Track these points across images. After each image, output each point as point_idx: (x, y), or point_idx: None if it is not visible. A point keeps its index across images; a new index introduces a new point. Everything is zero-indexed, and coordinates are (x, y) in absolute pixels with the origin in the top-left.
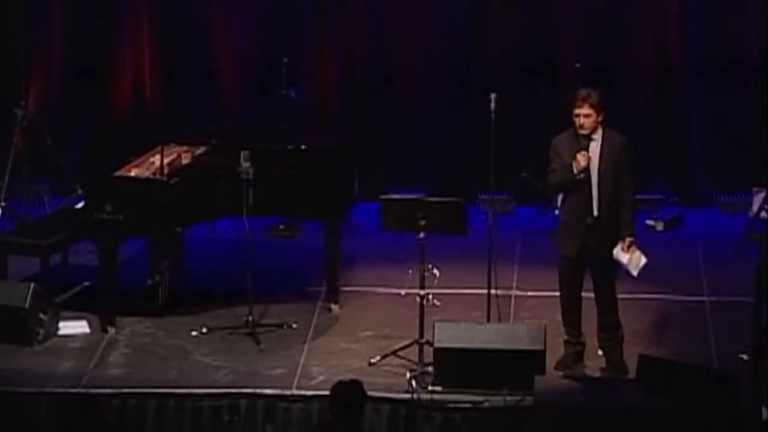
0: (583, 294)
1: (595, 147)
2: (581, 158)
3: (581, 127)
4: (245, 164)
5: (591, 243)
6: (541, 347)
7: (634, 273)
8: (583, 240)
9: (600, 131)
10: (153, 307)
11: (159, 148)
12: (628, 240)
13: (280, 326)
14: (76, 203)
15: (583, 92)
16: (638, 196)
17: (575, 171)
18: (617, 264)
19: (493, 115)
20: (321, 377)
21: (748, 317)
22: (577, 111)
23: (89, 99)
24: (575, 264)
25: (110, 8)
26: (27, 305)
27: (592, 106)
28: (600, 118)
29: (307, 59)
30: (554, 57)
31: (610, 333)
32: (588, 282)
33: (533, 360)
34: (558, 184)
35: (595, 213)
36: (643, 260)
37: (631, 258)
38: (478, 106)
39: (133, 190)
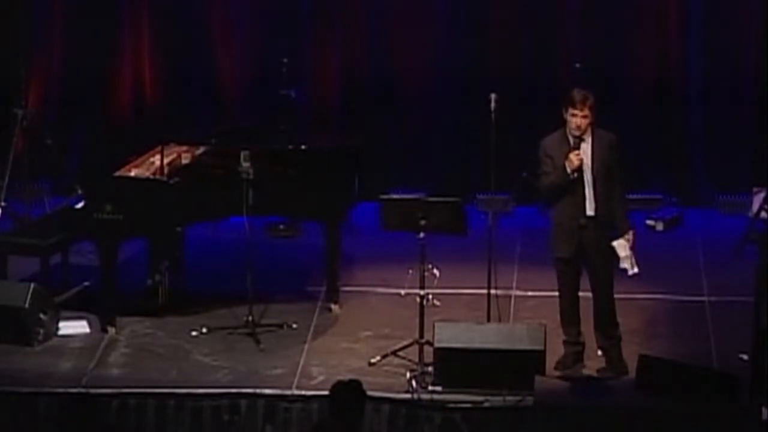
0: (581, 294)
1: (586, 147)
2: (574, 158)
3: (578, 128)
4: (245, 164)
5: (586, 243)
6: (541, 347)
7: (629, 271)
8: (577, 240)
9: (589, 131)
10: (153, 307)
11: (159, 148)
12: (631, 234)
13: (280, 326)
14: (76, 203)
15: (580, 94)
16: (638, 196)
17: (569, 171)
18: (614, 259)
19: (493, 115)
20: (321, 377)
21: (748, 317)
22: (575, 112)
23: (89, 99)
24: (571, 265)
25: (110, 8)
26: (27, 305)
27: (590, 108)
28: (592, 120)
29: (307, 59)
30: (554, 57)
31: (609, 333)
32: (585, 282)
33: (533, 360)
34: (551, 186)
35: (590, 213)
36: (636, 270)
37: (629, 256)
38: (478, 106)
39: (133, 190)
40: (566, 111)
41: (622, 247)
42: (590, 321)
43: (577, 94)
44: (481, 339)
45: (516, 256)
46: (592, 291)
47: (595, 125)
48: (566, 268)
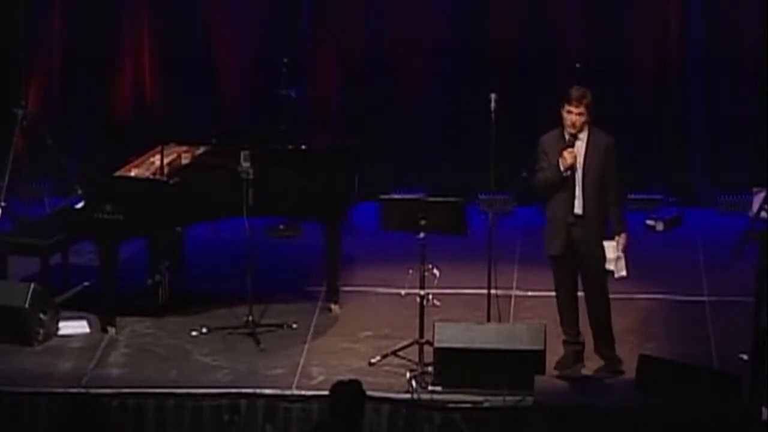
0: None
1: (580, 146)
2: (568, 156)
3: (573, 125)
4: (245, 164)
5: (574, 241)
6: (541, 347)
7: (615, 274)
8: (565, 238)
9: (586, 130)
10: (153, 307)
11: (159, 148)
12: (623, 236)
13: (280, 326)
14: (76, 203)
15: (577, 92)
16: (638, 196)
17: (562, 168)
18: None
19: (493, 115)
20: (321, 377)
21: (748, 317)
22: (571, 109)
23: (89, 99)
24: (563, 263)
25: (110, 8)
26: (27, 305)
27: (586, 106)
28: (588, 118)
29: (307, 59)
30: (554, 57)
31: (601, 332)
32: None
33: (533, 360)
34: (544, 182)
35: (578, 211)
36: (623, 273)
37: (618, 258)
38: (478, 106)
39: (133, 190)
40: (563, 108)
41: (611, 248)
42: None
43: (574, 92)
44: (481, 339)
45: (516, 256)
46: (584, 290)
47: (594, 126)
48: (559, 267)
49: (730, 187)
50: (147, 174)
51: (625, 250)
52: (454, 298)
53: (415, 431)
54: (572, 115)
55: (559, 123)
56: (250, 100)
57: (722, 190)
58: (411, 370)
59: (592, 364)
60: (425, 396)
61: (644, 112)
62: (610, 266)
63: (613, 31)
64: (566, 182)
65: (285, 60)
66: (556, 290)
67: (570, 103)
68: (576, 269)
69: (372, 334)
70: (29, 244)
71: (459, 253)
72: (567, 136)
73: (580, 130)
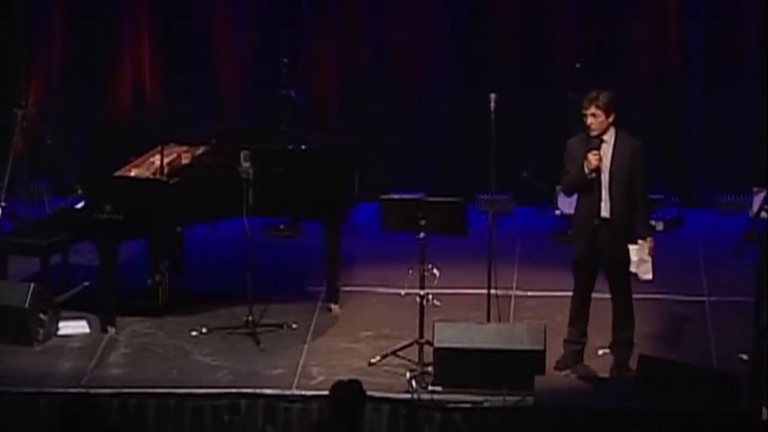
0: (596, 296)
1: (606, 148)
2: (592, 158)
3: (589, 127)
4: (245, 164)
5: (600, 244)
6: (541, 347)
7: (640, 276)
8: (590, 241)
9: (612, 133)
10: (153, 307)
11: (159, 148)
12: (649, 240)
13: (280, 326)
14: (76, 203)
15: (592, 94)
16: None
17: (586, 171)
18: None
19: (493, 115)
20: (321, 377)
21: (748, 317)
22: (584, 111)
23: (89, 99)
24: (585, 265)
25: (110, 8)
26: (27, 305)
27: (599, 107)
28: (610, 120)
29: (307, 59)
30: (554, 57)
31: (619, 334)
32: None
33: (533, 360)
34: (570, 185)
35: (604, 214)
36: (649, 276)
37: (641, 262)
38: (478, 106)
39: (133, 190)
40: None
41: (635, 251)
42: (593, 320)
43: (590, 94)
44: (481, 339)
45: (516, 256)
46: (610, 292)
47: (620, 128)
48: (579, 268)
49: (730, 187)
50: (147, 174)
51: (651, 254)
52: (454, 298)
53: (415, 431)
54: (587, 118)
55: (564, 124)
56: (250, 100)
57: (722, 190)
58: (411, 370)
59: (592, 364)
60: (425, 396)
61: (644, 112)
62: (634, 269)
63: (613, 31)
64: (592, 185)
65: (285, 60)
66: (573, 291)
67: (583, 106)
68: (596, 272)
69: (372, 334)
70: (29, 244)
71: (459, 253)
72: (592, 139)
73: (604, 132)
